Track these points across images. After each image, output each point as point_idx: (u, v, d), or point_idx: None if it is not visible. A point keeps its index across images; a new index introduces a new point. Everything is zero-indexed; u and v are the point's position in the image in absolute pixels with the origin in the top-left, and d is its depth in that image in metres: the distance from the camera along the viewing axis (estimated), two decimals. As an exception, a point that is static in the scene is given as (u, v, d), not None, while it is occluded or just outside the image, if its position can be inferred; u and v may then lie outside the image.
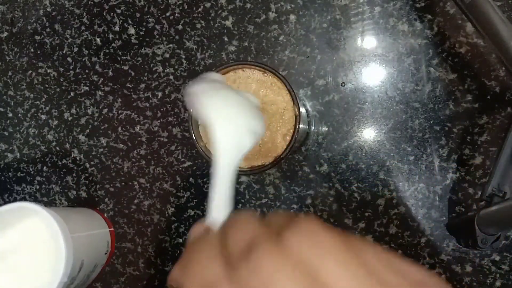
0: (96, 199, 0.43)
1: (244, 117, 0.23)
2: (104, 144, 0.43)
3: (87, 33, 0.44)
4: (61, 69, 0.45)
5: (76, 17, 0.45)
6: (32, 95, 0.45)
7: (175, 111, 0.42)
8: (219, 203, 0.21)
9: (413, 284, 0.14)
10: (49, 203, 0.45)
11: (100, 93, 0.44)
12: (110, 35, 0.44)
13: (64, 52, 0.45)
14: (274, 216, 0.18)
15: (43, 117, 0.45)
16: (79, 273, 0.34)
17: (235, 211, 0.20)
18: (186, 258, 0.18)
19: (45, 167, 0.45)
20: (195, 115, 0.28)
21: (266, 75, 0.32)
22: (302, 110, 0.32)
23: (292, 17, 0.40)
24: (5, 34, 0.46)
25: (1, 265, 0.33)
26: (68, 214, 0.36)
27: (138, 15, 0.43)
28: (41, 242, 0.33)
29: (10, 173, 0.45)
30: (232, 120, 0.23)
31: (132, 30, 0.43)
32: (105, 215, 0.43)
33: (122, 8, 0.44)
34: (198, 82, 0.25)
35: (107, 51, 0.44)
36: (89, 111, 0.44)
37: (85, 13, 0.44)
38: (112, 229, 0.42)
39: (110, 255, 0.41)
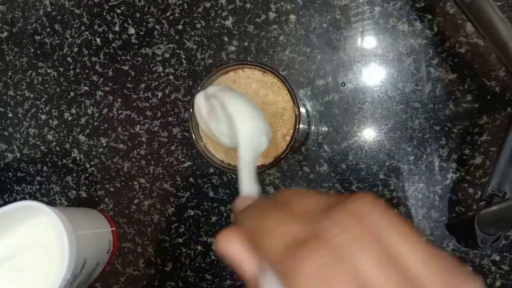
0: (96, 199, 0.43)
1: (261, 121, 0.26)
2: (104, 144, 0.43)
3: (87, 33, 0.44)
4: (61, 69, 0.45)
5: (76, 17, 0.45)
6: (32, 95, 0.45)
7: (175, 111, 0.42)
8: (250, 190, 0.22)
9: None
10: (49, 203, 0.45)
11: (100, 93, 0.44)
12: (110, 35, 0.44)
13: (64, 52, 0.45)
14: (330, 193, 0.17)
15: (43, 117, 0.45)
16: (81, 271, 0.34)
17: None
18: (253, 221, 0.16)
19: (45, 167, 0.45)
20: (213, 110, 0.29)
21: (266, 75, 0.32)
22: (302, 110, 0.32)
23: (292, 17, 0.40)
24: (5, 34, 0.46)
25: (7, 263, 0.33)
26: (72, 213, 0.36)
27: (138, 15, 0.43)
28: (45, 240, 0.33)
29: (10, 173, 0.45)
30: (254, 120, 0.25)
31: (132, 30, 0.43)
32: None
33: (122, 8, 0.44)
34: (216, 86, 0.28)
35: (107, 51, 0.44)
36: (89, 111, 0.44)
37: (85, 13, 0.44)
38: (114, 228, 0.42)
39: (112, 254, 0.42)
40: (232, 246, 0.16)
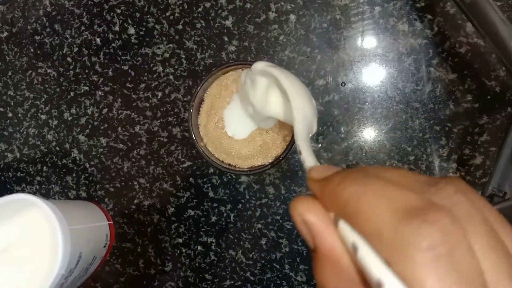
0: (96, 199, 0.43)
1: (312, 101, 0.26)
2: (104, 144, 0.43)
3: (87, 33, 0.44)
4: (61, 69, 0.45)
5: (76, 17, 0.45)
6: (32, 95, 0.45)
7: (175, 111, 0.42)
8: (312, 160, 0.21)
9: None
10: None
11: (100, 93, 0.44)
12: (110, 35, 0.44)
13: (64, 52, 0.45)
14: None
15: (43, 117, 0.45)
16: (77, 265, 0.34)
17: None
18: (351, 188, 0.14)
19: (45, 167, 0.45)
20: (245, 89, 0.31)
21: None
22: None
23: (292, 17, 0.40)
24: (5, 34, 0.46)
25: (0, 258, 0.33)
26: (66, 206, 0.35)
27: (138, 15, 0.43)
28: (39, 234, 0.33)
29: (10, 173, 0.45)
30: (308, 99, 0.26)
31: (132, 30, 0.43)
32: (105, 215, 0.43)
33: (122, 8, 0.44)
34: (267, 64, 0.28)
35: (107, 51, 0.44)
36: (89, 111, 0.44)
37: (85, 13, 0.44)
38: (111, 222, 0.42)
39: (109, 248, 0.41)
40: (314, 212, 0.15)
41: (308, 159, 0.20)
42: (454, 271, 0.11)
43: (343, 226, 0.14)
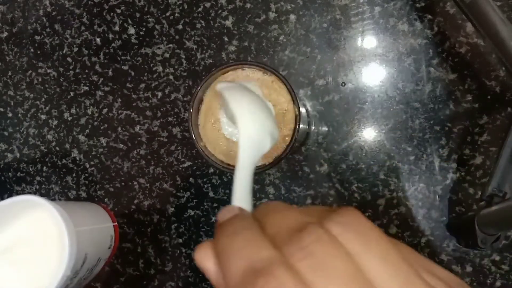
0: (96, 199, 0.43)
1: (267, 120, 0.25)
2: (104, 144, 0.43)
3: (87, 33, 0.44)
4: (61, 69, 0.45)
5: (76, 17, 0.45)
6: (32, 95, 0.45)
7: (175, 111, 0.42)
8: (242, 195, 0.21)
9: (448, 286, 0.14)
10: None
11: (100, 93, 0.44)
12: (110, 35, 0.44)
13: (64, 52, 0.45)
14: (312, 208, 0.17)
15: (43, 117, 0.45)
16: (82, 266, 0.34)
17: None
18: (223, 239, 0.16)
19: (45, 167, 0.45)
20: (222, 107, 0.30)
21: (266, 75, 0.32)
22: (302, 110, 0.32)
23: (292, 17, 0.40)
24: (5, 34, 0.46)
25: (6, 258, 0.33)
26: (72, 208, 0.36)
27: (138, 15, 0.43)
28: (45, 235, 0.33)
29: (10, 173, 0.45)
30: (257, 121, 0.24)
31: (132, 30, 0.43)
32: (105, 215, 0.43)
33: (122, 8, 0.44)
34: (231, 82, 0.28)
35: (107, 51, 0.44)
36: (89, 111, 0.44)
37: (85, 13, 0.44)
38: (116, 223, 0.42)
39: (114, 249, 0.41)
40: (206, 261, 0.16)
41: (235, 195, 0.21)
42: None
43: None
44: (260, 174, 0.40)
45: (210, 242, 0.17)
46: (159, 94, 0.42)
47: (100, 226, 0.39)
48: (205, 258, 0.16)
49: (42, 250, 0.33)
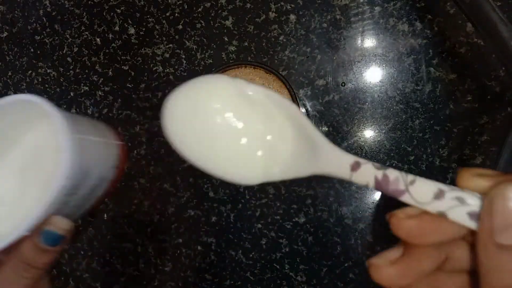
0: (96, 199, 0.43)
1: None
2: (104, 144, 0.43)
3: (87, 33, 0.44)
4: (61, 69, 0.45)
5: (76, 17, 0.45)
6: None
7: (175, 111, 0.42)
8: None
9: None
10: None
11: (100, 93, 0.44)
12: (110, 35, 0.44)
13: (64, 52, 0.45)
14: None
15: (43, 117, 0.45)
16: (82, 181, 0.30)
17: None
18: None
19: (45, 167, 0.45)
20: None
21: (265, 74, 0.33)
22: (302, 110, 0.32)
23: (292, 17, 0.40)
24: (5, 34, 0.46)
25: (11, 166, 0.30)
26: (74, 116, 0.31)
27: (138, 15, 0.43)
28: (42, 140, 0.30)
29: (10, 173, 0.45)
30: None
31: (132, 30, 0.43)
32: (105, 216, 0.43)
33: (122, 8, 0.44)
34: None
35: (107, 51, 0.44)
36: (89, 111, 0.44)
37: (85, 13, 0.44)
38: (124, 143, 0.37)
39: (120, 172, 0.37)
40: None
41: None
42: None
43: None
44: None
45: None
46: (159, 94, 0.42)
47: (104, 139, 0.34)
48: None
49: (39, 158, 0.29)
